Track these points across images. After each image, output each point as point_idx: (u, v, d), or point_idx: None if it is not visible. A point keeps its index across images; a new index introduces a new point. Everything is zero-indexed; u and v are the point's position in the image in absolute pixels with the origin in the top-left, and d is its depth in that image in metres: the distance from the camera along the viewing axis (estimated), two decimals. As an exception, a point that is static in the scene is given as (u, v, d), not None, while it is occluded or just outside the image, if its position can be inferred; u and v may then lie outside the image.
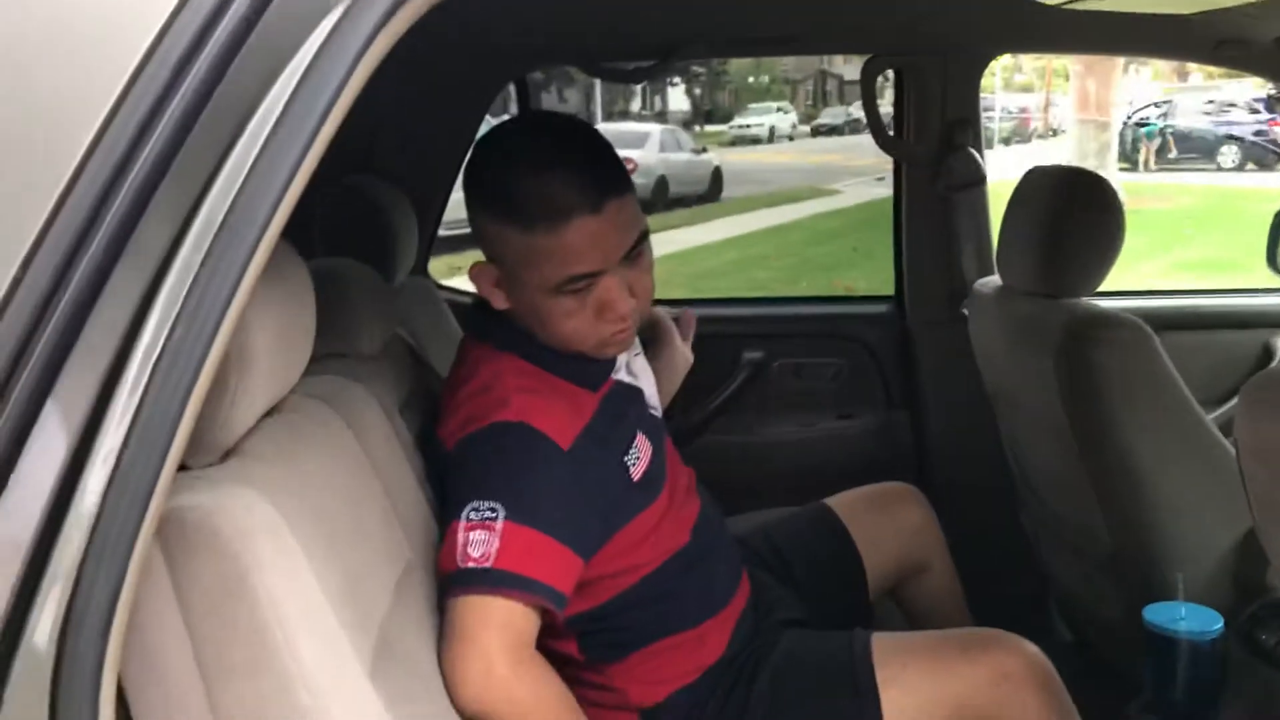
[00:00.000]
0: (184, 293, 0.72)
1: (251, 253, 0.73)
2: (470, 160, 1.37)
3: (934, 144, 2.47)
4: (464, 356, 1.44)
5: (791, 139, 22.44)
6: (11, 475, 0.73)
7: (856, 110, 19.61)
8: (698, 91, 24.46)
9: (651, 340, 1.75)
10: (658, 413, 1.56)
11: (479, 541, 1.22)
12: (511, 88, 2.70)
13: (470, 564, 1.20)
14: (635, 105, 22.89)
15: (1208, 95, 17.22)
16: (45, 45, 0.77)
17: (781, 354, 2.63)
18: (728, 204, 14.47)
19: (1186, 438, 1.72)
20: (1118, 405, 1.70)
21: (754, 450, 2.60)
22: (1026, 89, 24.39)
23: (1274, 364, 2.45)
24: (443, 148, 2.46)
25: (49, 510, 0.73)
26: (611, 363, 1.45)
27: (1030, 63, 22.69)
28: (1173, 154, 15.81)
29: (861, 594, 1.77)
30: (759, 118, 22.42)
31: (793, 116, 23.45)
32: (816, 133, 22.93)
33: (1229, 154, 15.73)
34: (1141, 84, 19.14)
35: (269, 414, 1.05)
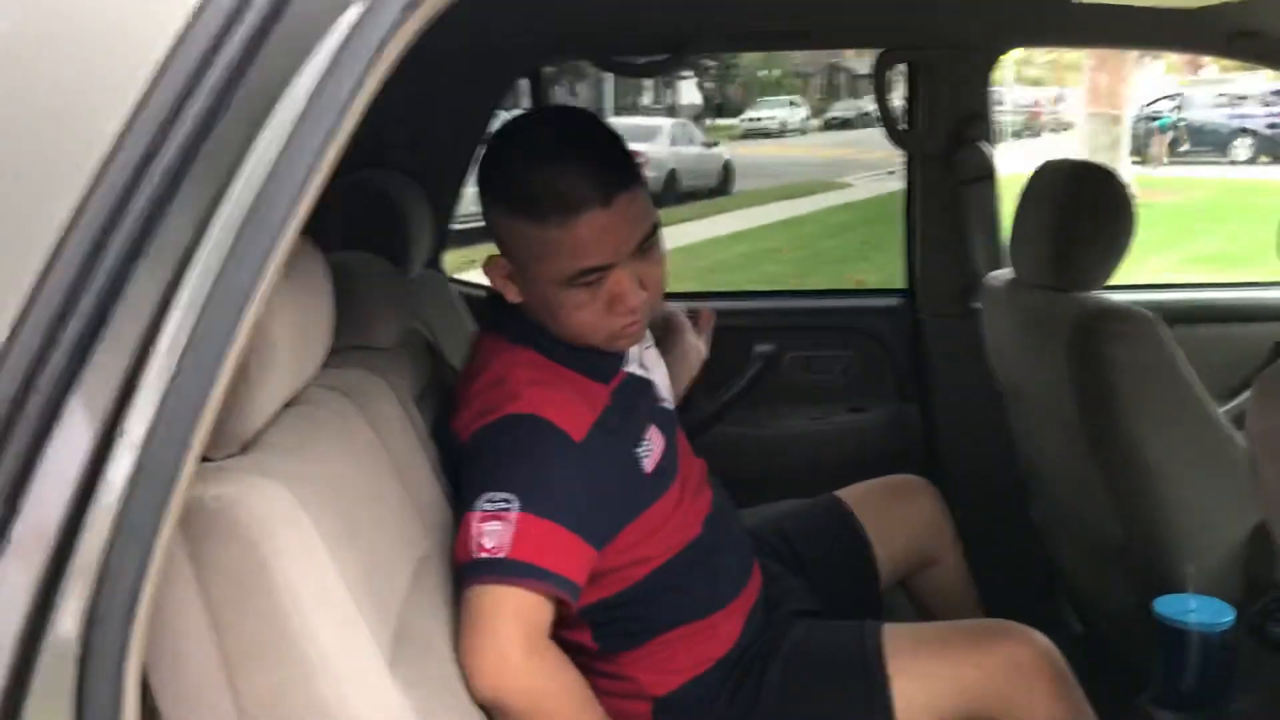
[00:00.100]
0: (208, 285, 0.73)
1: (273, 246, 0.74)
2: (484, 155, 1.39)
3: (945, 138, 2.47)
4: (477, 349, 1.45)
5: (803, 132, 22.42)
6: (37, 465, 0.74)
7: (868, 104, 19.50)
8: (709, 85, 24.43)
9: (664, 334, 1.76)
10: (669, 405, 1.57)
11: (493, 532, 1.23)
12: (524, 82, 2.71)
13: (485, 554, 1.22)
14: (646, 99, 22.87)
15: (1221, 88, 17.12)
16: (70, 43, 0.78)
17: (793, 347, 2.63)
18: (738, 197, 14.47)
19: (1197, 431, 1.72)
20: (1128, 398, 1.70)
21: (765, 443, 2.60)
22: (1038, 82, 24.30)
23: (1286, 357, 2.45)
24: (456, 141, 2.48)
25: (74, 500, 0.74)
26: (623, 355, 1.46)
27: (1042, 56, 22.59)
28: (1184, 147, 15.74)
29: (872, 586, 1.78)
30: (770, 111, 22.41)
31: (804, 110, 23.43)
32: (828, 126, 22.91)
33: (1242, 147, 15.67)
34: (1154, 77, 19.04)
35: (288, 405, 1.07)
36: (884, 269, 7.25)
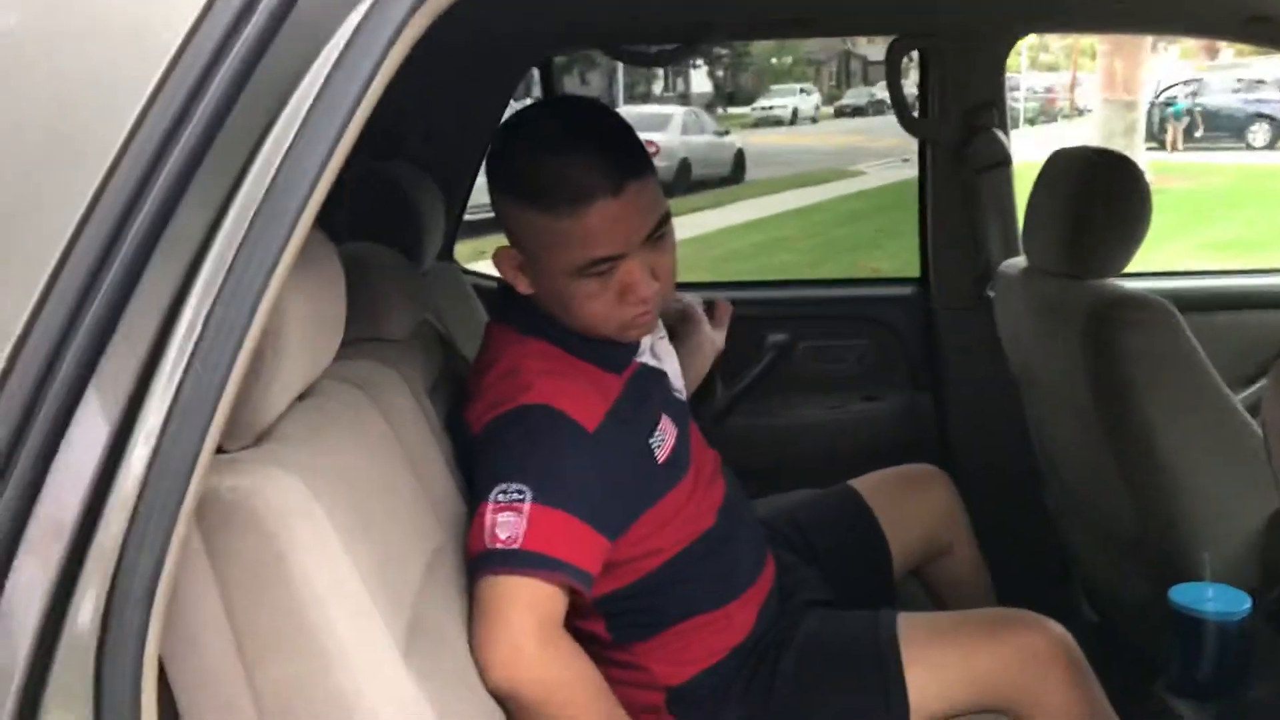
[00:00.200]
0: (221, 276, 0.74)
1: (287, 237, 0.74)
2: (492, 145, 1.38)
3: (959, 125, 2.46)
4: (489, 341, 1.45)
5: (815, 121, 22.35)
6: (56, 456, 0.74)
7: (880, 91, 19.48)
8: (720, 73, 24.38)
9: (680, 325, 1.76)
10: (682, 396, 1.57)
11: (506, 523, 1.23)
12: (535, 72, 2.70)
13: (498, 545, 1.22)
14: (658, 88, 22.83)
15: (1237, 73, 17.00)
16: (84, 37, 0.78)
17: (806, 336, 2.63)
18: (751, 186, 14.44)
19: (1213, 418, 1.72)
20: (1144, 386, 1.69)
21: (779, 433, 2.60)
22: (1052, 68, 24.17)
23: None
24: (467, 132, 2.48)
25: (92, 490, 0.74)
26: (635, 346, 1.46)
27: (1056, 42, 22.48)
28: (1199, 132, 15.63)
29: (886, 575, 1.78)
30: (782, 99, 22.35)
31: (816, 98, 23.37)
32: (840, 114, 22.83)
33: (1259, 132, 15.55)
34: (1170, 62, 18.91)
35: (301, 397, 1.07)
36: (898, 257, 7.22)
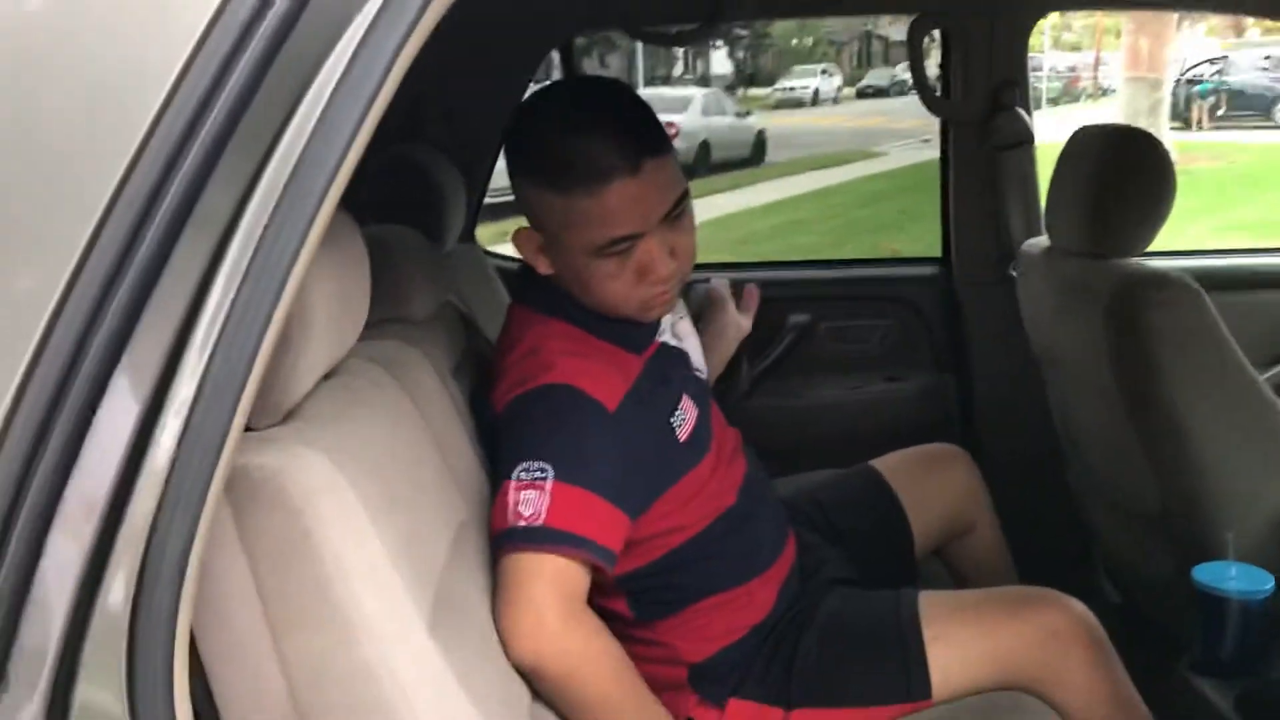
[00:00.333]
0: (249, 256, 0.74)
1: (312, 217, 0.75)
2: (511, 126, 1.39)
3: (981, 104, 2.44)
4: (511, 321, 1.46)
5: (836, 102, 22.21)
6: (87, 436, 0.75)
7: (902, 72, 19.34)
8: (741, 54, 24.25)
9: (705, 308, 1.76)
10: (703, 375, 1.58)
11: (529, 500, 1.24)
12: (555, 54, 2.70)
13: (521, 522, 1.23)
14: (677, 69, 22.74)
15: (1265, 50, 16.79)
16: (109, 18, 0.79)
17: (827, 317, 2.63)
18: (771, 168, 14.38)
19: (1237, 397, 1.71)
20: (1168, 365, 1.69)
21: (800, 413, 2.60)
22: (1075, 48, 23.94)
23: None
24: (488, 114, 2.48)
25: (122, 468, 0.75)
26: (656, 326, 1.47)
27: (1080, 20, 22.24)
28: (1221, 111, 15.44)
29: (908, 554, 1.78)
30: (803, 80, 22.21)
31: (837, 79, 23.20)
32: (861, 95, 22.68)
33: (1287, 111, 15.37)
34: (1196, 40, 18.70)
35: (327, 377, 1.08)
36: (920, 239, 7.19)
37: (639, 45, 14.80)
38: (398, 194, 1.98)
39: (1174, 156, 1.83)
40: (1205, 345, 1.70)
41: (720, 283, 1.85)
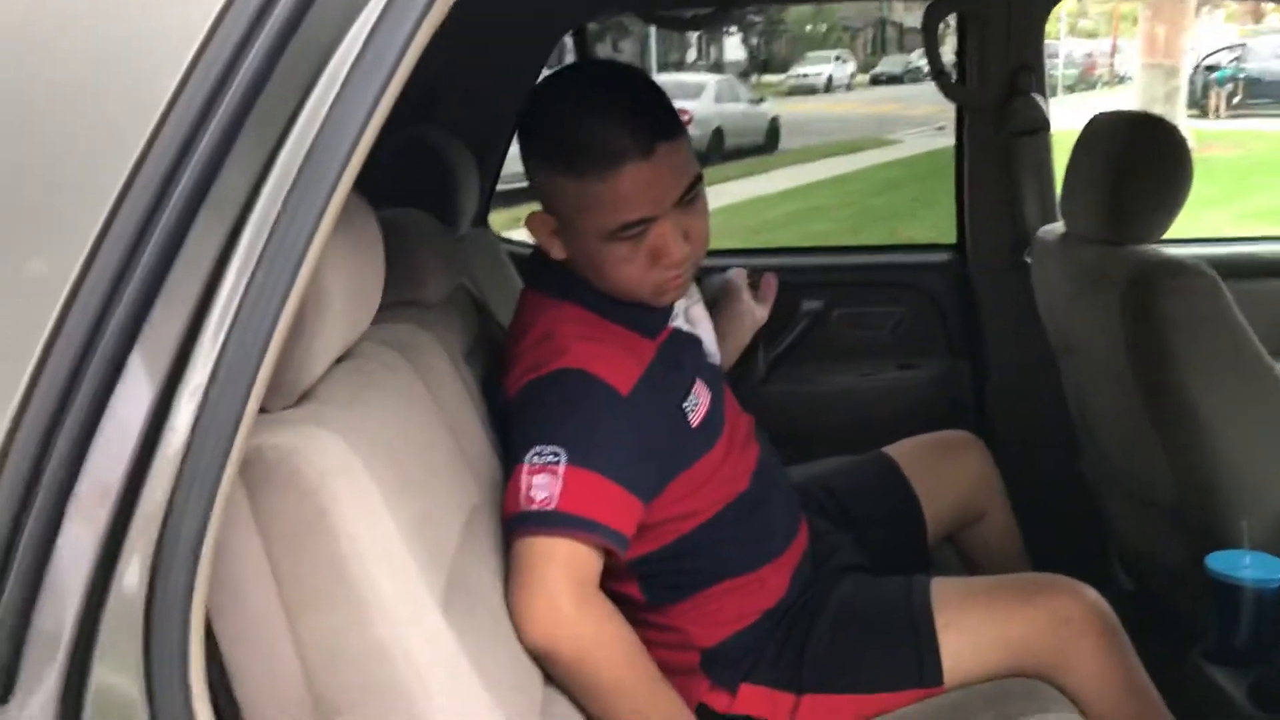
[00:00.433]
0: (264, 237, 0.74)
1: (327, 200, 0.75)
2: (524, 109, 1.39)
3: (997, 90, 2.43)
4: (524, 306, 1.46)
5: (850, 88, 22.13)
6: (102, 418, 0.76)
7: (916, 59, 19.27)
8: (754, 41, 24.16)
9: (721, 295, 1.76)
10: (716, 361, 1.58)
11: (542, 485, 1.24)
12: (568, 39, 2.69)
13: (534, 506, 1.23)
14: (691, 56, 22.67)
15: (1284, 37, 16.66)
16: (124, 2, 0.79)
17: (842, 303, 2.62)
18: (785, 155, 14.34)
19: (1253, 385, 1.70)
20: (1183, 352, 1.68)
21: (814, 400, 2.60)
22: (1092, 35, 23.79)
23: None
24: (502, 98, 2.48)
25: (138, 450, 0.75)
26: (669, 311, 1.46)
27: (1096, 7, 22.11)
28: (1239, 98, 15.31)
29: (920, 541, 1.78)
30: (817, 67, 22.12)
31: (851, 65, 23.11)
32: (875, 82, 22.59)
33: (1308, 99, 15.22)
34: (1213, 26, 18.55)
35: (341, 359, 1.08)
36: (934, 226, 7.17)
37: (652, 30, 14.75)
38: (411, 178, 1.98)
39: (1190, 144, 1.82)
40: (1221, 333, 1.69)
41: (737, 272, 1.85)
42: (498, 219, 2.84)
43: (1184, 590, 1.81)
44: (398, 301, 1.36)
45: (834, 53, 23.27)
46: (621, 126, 1.27)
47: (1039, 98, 2.43)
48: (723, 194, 10.16)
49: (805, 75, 21.93)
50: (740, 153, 13.76)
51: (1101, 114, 1.87)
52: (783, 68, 23.01)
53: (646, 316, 1.42)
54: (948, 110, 2.64)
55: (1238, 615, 1.53)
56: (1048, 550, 1.88)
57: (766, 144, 14.82)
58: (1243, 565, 1.53)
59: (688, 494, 1.41)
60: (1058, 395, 2.17)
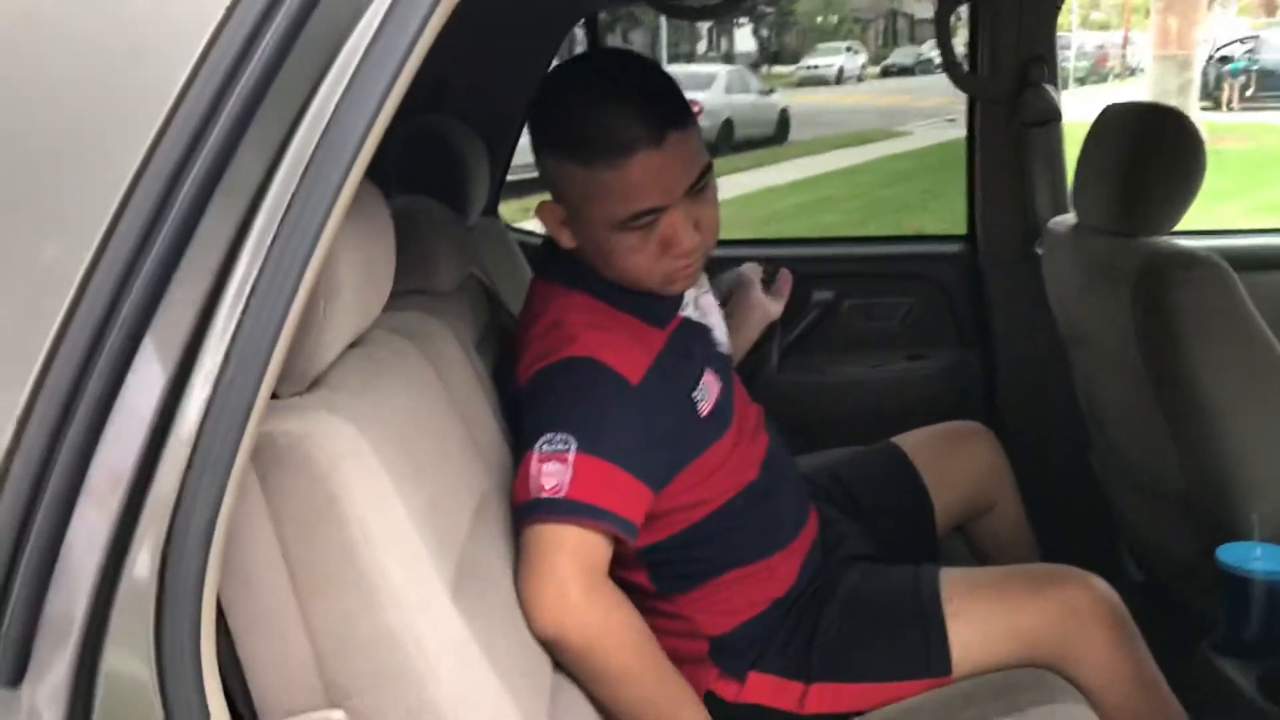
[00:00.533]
0: (276, 223, 0.75)
1: (339, 186, 0.75)
2: (534, 98, 1.39)
3: (1009, 80, 2.42)
4: (534, 295, 1.46)
5: (861, 80, 22.04)
6: (115, 403, 0.76)
7: (928, 50, 19.19)
8: (765, 32, 24.09)
9: (734, 289, 1.76)
10: (726, 350, 1.58)
11: (552, 472, 1.24)
12: (579, 31, 2.69)
13: (544, 494, 1.24)
14: (701, 47, 22.62)
15: (1299, 30, 16.55)
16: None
17: (851, 294, 2.62)
18: (795, 146, 14.29)
19: (1265, 377, 1.70)
20: (1195, 344, 1.67)
21: (824, 390, 2.60)
22: (1104, 27, 23.68)
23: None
24: (512, 87, 2.48)
25: (149, 436, 0.76)
26: (679, 300, 1.46)
27: (1109, -1, 22.00)
28: (1252, 91, 15.22)
29: (929, 532, 1.78)
30: (827, 58, 22.02)
31: (862, 57, 23.01)
32: (886, 73, 22.50)
33: (1320, 92, 15.12)
34: (1226, 19, 18.45)
35: (352, 346, 1.09)
36: (944, 219, 7.15)
37: (663, 21, 14.72)
38: (422, 167, 1.98)
39: (1203, 136, 1.81)
40: (1232, 325, 1.68)
41: (751, 266, 1.85)
42: (508, 209, 2.84)
43: (1194, 582, 1.81)
44: (409, 289, 1.36)
45: (845, 44, 23.17)
46: (632, 115, 1.26)
47: (1050, 88, 2.42)
48: (732, 185, 10.14)
49: (816, 66, 21.84)
50: (750, 144, 13.72)
51: (1114, 105, 1.87)
52: (793, 59, 22.93)
53: (656, 305, 1.42)
54: (958, 102, 2.63)
55: (1248, 607, 1.52)
56: (1057, 542, 1.88)
57: (776, 135, 14.78)
58: (1253, 557, 1.52)
59: (697, 483, 1.41)
60: (1068, 387, 2.17)
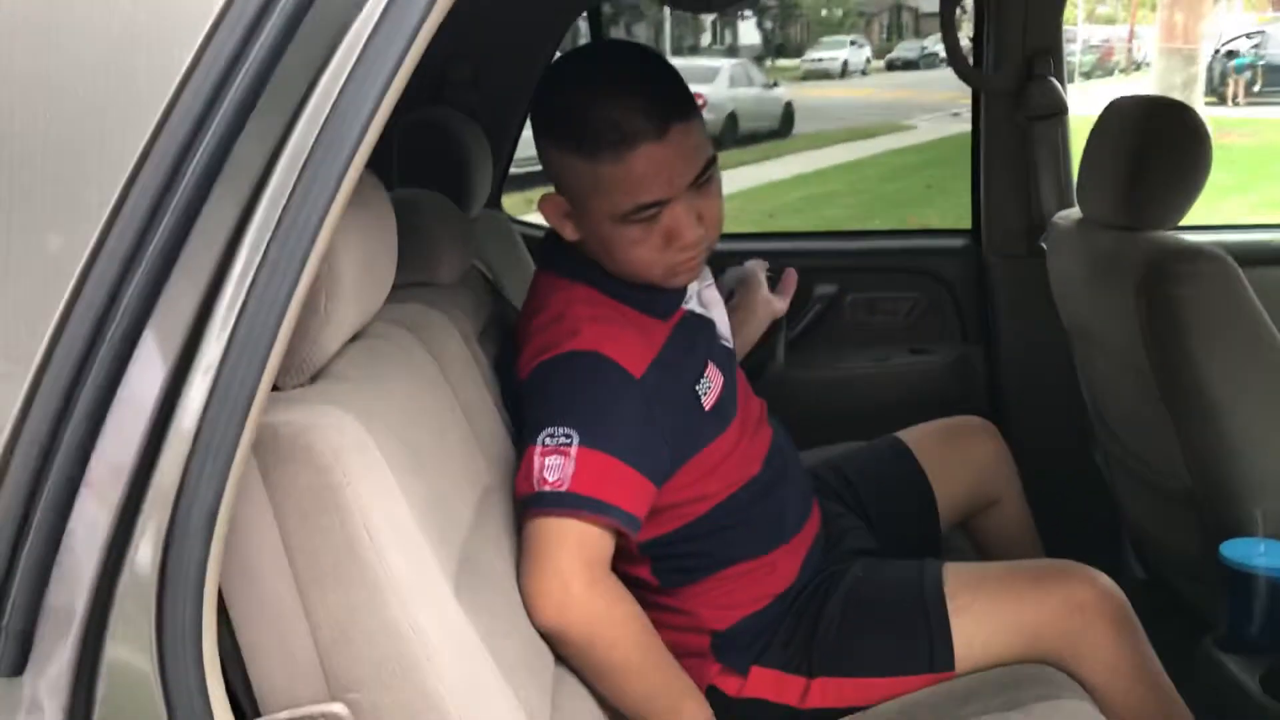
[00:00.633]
0: (278, 214, 0.74)
1: (341, 175, 0.75)
2: (536, 90, 1.38)
3: (1014, 74, 2.42)
4: (537, 287, 1.46)
5: (865, 74, 22.00)
6: (116, 394, 0.76)
7: (932, 44, 19.15)
8: (769, 25, 24.04)
9: (739, 286, 1.76)
10: (729, 344, 1.57)
11: (554, 466, 1.24)
12: (583, 22, 2.69)
13: (546, 487, 1.23)
14: (705, 40, 22.57)
15: (1305, 25, 16.50)
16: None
17: (855, 288, 2.62)
18: (799, 140, 14.26)
19: (1269, 373, 1.69)
20: (1199, 339, 1.67)
21: (826, 384, 2.59)
22: (1110, 21, 23.62)
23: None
24: (515, 79, 2.47)
25: (151, 427, 0.76)
26: (682, 293, 1.46)
27: (1115, -9, 21.93)
28: (1257, 86, 15.18)
29: (932, 526, 1.78)
30: (832, 52, 21.97)
31: (867, 50, 22.95)
32: (891, 67, 22.45)
33: (1327, 86, 15.07)
34: (1233, 13, 18.39)
35: (354, 339, 1.08)
36: (948, 213, 7.15)
37: (666, 13, 14.69)
38: (425, 159, 1.97)
39: (1208, 130, 1.81)
40: (1237, 320, 1.68)
41: (755, 263, 1.85)
42: (511, 201, 2.84)
43: (1197, 578, 1.80)
44: (411, 282, 1.36)
45: (849, 37, 23.11)
46: (635, 107, 1.26)
47: (1056, 82, 2.41)
48: (736, 178, 10.12)
49: (820, 60, 21.79)
50: (754, 137, 13.69)
51: (1119, 99, 1.86)
52: (798, 52, 22.87)
53: (659, 298, 1.42)
54: (962, 96, 2.62)
55: (1251, 604, 1.52)
56: (1060, 537, 1.87)
57: (781, 129, 14.74)
58: (1257, 554, 1.52)
59: (700, 477, 1.41)
60: (1072, 381, 2.16)
